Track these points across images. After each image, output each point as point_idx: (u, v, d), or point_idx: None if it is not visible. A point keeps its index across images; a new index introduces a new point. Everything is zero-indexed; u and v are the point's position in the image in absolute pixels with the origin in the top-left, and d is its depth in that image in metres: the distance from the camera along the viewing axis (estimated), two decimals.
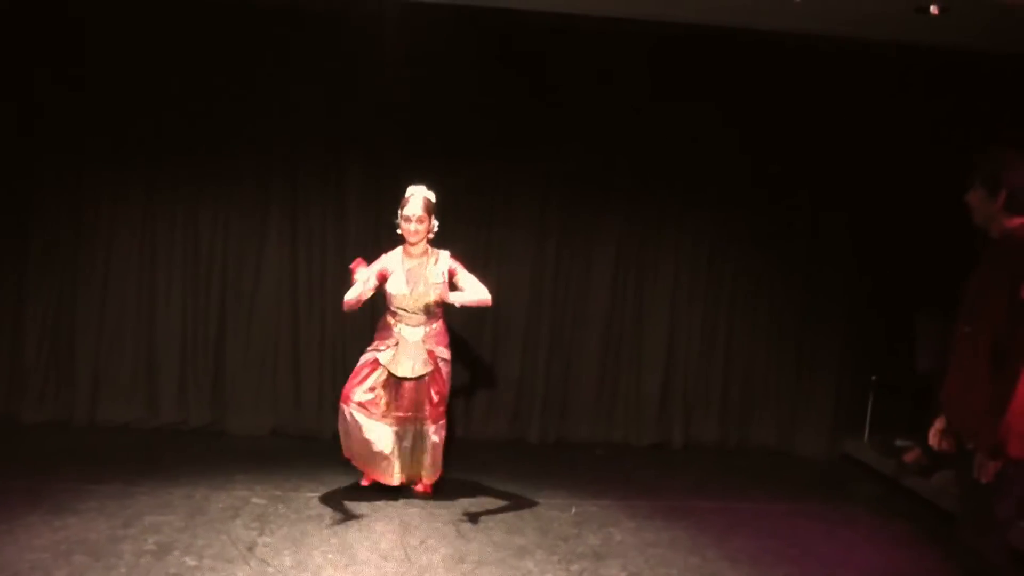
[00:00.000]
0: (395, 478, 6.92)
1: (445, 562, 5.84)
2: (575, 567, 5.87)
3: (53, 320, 8.47)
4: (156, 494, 6.72)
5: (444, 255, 6.91)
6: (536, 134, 8.70)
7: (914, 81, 8.71)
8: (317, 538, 6.09)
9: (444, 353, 6.92)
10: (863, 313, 9.00)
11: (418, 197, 6.80)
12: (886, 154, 8.82)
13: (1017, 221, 4.64)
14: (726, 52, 8.57)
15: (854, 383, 9.00)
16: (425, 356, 6.82)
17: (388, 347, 6.83)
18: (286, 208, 8.58)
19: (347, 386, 6.86)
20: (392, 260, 6.88)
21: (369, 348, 6.95)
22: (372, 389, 6.81)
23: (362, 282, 6.53)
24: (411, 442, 6.90)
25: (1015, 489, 4.55)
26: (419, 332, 6.83)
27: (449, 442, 7.14)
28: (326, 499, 6.85)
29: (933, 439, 4.92)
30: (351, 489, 7.01)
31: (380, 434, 6.79)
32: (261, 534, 6.09)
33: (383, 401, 6.82)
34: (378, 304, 7.16)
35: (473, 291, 6.85)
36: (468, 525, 6.47)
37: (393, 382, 6.83)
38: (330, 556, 5.81)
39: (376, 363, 6.82)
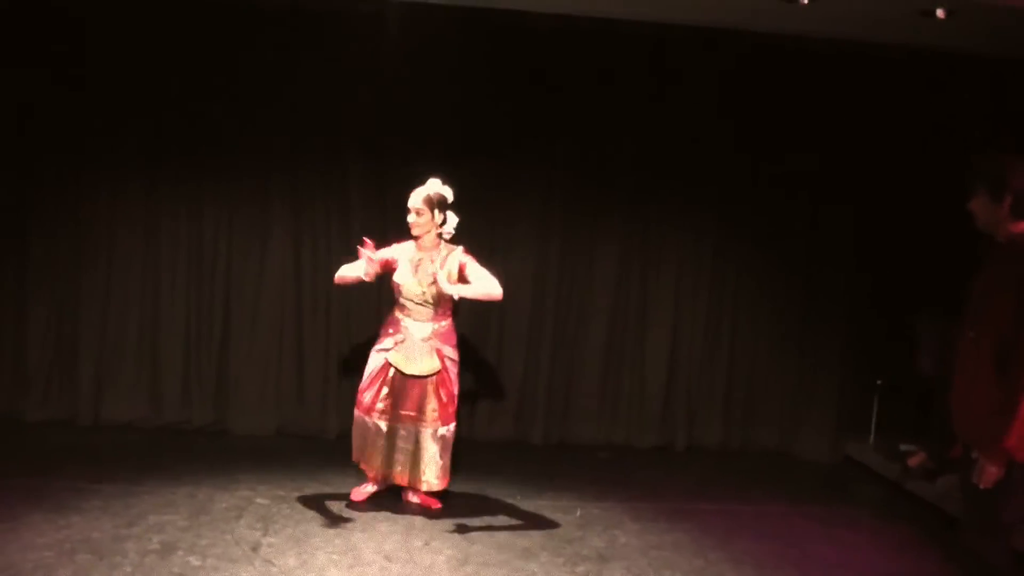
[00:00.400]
0: (401, 478, 6.79)
1: (449, 563, 5.84)
2: (580, 569, 5.88)
3: (56, 319, 8.47)
4: (160, 493, 6.72)
5: (457, 251, 6.75)
6: (539, 133, 8.71)
7: (917, 84, 8.71)
8: (321, 538, 6.09)
9: (451, 353, 6.79)
10: (866, 315, 8.99)
11: (420, 190, 6.68)
12: (889, 156, 8.82)
13: (1023, 225, 4.64)
14: (729, 53, 8.58)
15: (857, 385, 8.99)
16: (433, 354, 6.70)
17: (396, 344, 6.72)
18: (288, 207, 8.58)
19: (362, 394, 6.77)
20: (402, 251, 6.79)
21: (376, 346, 6.84)
22: (387, 395, 6.71)
23: (366, 259, 6.50)
24: (413, 444, 6.72)
25: (1020, 493, 4.55)
26: (426, 328, 6.71)
27: (454, 444, 7.10)
28: (330, 499, 6.84)
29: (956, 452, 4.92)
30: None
31: (395, 438, 6.71)
32: (265, 534, 6.09)
33: (392, 403, 6.71)
34: (384, 302, 7.16)
35: (479, 284, 6.60)
36: (472, 527, 6.47)
37: (399, 380, 6.72)
38: (334, 556, 5.81)
39: (387, 366, 6.72)
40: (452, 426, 6.79)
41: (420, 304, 6.71)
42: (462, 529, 6.43)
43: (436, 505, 6.81)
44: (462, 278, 6.67)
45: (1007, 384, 4.47)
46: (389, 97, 8.43)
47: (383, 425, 6.69)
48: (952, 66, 8.44)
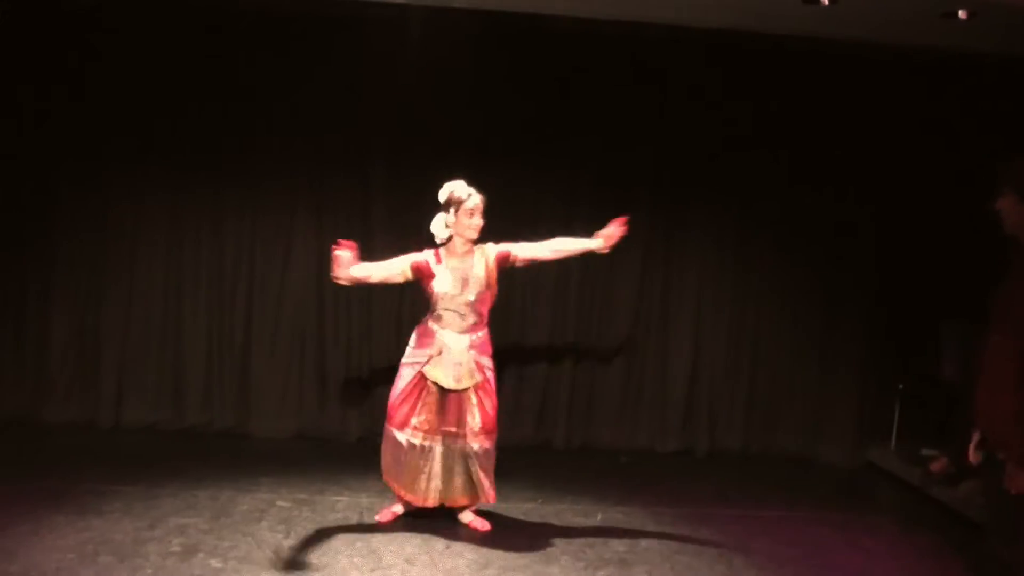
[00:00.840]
0: (433, 499, 6.42)
1: (470, 567, 5.83)
2: (601, 573, 5.85)
3: (79, 321, 8.51)
4: (181, 496, 6.73)
5: (490, 246, 6.45)
6: (562, 137, 8.71)
7: (942, 86, 8.68)
8: (342, 541, 6.09)
9: (489, 363, 6.47)
10: (888, 320, 8.96)
11: (473, 191, 6.34)
12: (912, 160, 8.79)
13: None
14: (752, 56, 8.58)
15: (879, 391, 8.96)
16: (472, 366, 6.37)
17: (431, 357, 6.37)
18: (312, 210, 8.61)
19: (395, 409, 6.41)
20: (433, 258, 6.39)
21: (407, 360, 6.46)
22: (422, 409, 6.36)
23: (352, 263, 6.23)
24: (454, 461, 6.40)
25: None
26: (464, 340, 6.36)
27: None
28: (351, 502, 6.84)
29: (973, 456, 4.87)
30: (376, 493, 6.93)
31: (432, 456, 6.37)
32: (287, 537, 6.09)
33: (430, 418, 6.36)
34: (405, 304, 7.12)
35: (556, 243, 6.47)
36: (493, 530, 6.45)
37: (438, 396, 6.37)
38: (355, 560, 5.80)
39: (422, 379, 6.36)
40: (495, 437, 6.51)
41: (459, 314, 6.37)
42: (484, 533, 6.41)
43: (486, 528, 6.50)
44: (510, 263, 6.45)
45: None
46: (410, 102, 8.45)
47: (417, 442, 6.35)
48: (974, 68, 8.40)
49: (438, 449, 6.38)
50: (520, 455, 8.40)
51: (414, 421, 6.35)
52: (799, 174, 8.89)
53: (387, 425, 6.45)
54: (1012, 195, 4.72)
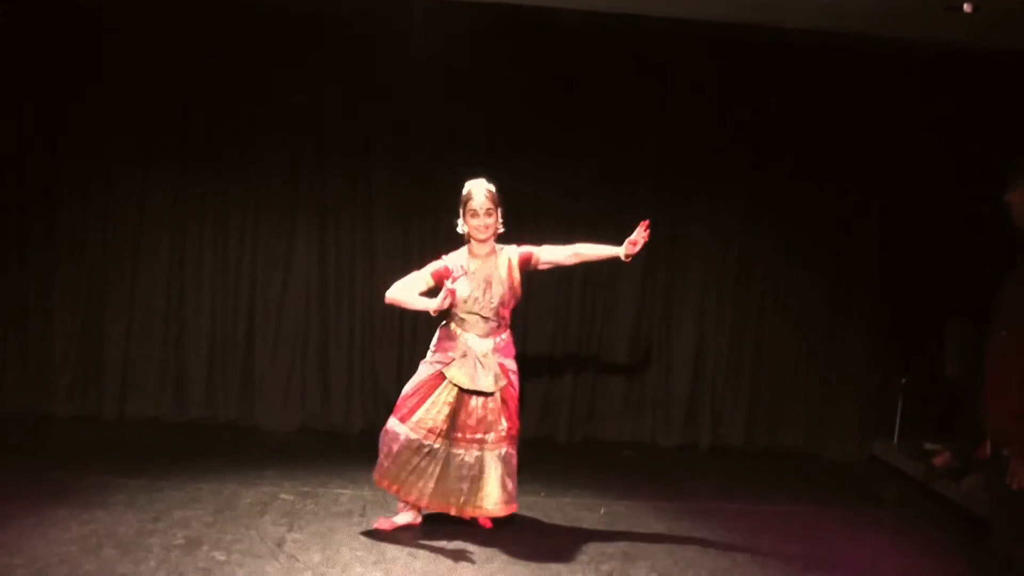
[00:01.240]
0: (427, 501, 6.21)
1: (474, 560, 5.82)
2: (604, 567, 5.85)
3: (83, 314, 8.52)
4: (184, 489, 6.73)
5: (512, 248, 6.30)
6: (564, 134, 8.71)
7: (946, 82, 8.67)
8: (346, 534, 6.09)
9: (513, 365, 6.31)
10: (892, 316, 8.96)
11: (481, 189, 6.17)
12: (918, 157, 8.78)
13: None
14: (755, 51, 8.58)
15: (883, 386, 8.96)
16: (497, 369, 6.18)
17: (453, 359, 6.18)
18: (314, 204, 8.63)
19: (403, 403, 6.20)
20: (455, 261, 6.24)
21: (426, 361, 6.28)
22: (435, 409, 6.14)
23: (446, 292, 5.96)
24: (475, 469, 6.20)
25: None
26: (488, 343, 6.19)
27: None
28: (355, 496, 6.84)
29: (985, 451, 4.87)
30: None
31: (433, 457, 6.15)
32: (290, 530, 6.09)
33: (443, 421, 6.14)
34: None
35: (581, 247, 6.33)
36: (497, 524, 6.41)
37: (458, 400, 6.17)
38: (359, 553, 5.80)
39: (439, 378, 6.16)
40: (516, 446, 6.35)
41: (482, 317, 6.19)
42: (483, 527, 6.39)
43: (489, 524, 6.34)
44: (532, 266, 6.30)
45: None
46: (414, 98, 8.46)
47: (416, 438, 6.11)
48: (979, 63, 8.38)
49: (441, 453, 6.16)
50: (523, 449, 8.32)
51: (418, 416, 6.13)
52: (804, 172, 8.88)
53: (391, 417, 6.24)
54: (1022, 189, 4.72)
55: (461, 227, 6.27)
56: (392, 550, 5.88)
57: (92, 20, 8.25)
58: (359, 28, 8.32)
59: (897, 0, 7.02)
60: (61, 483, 6.64)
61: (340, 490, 6.95)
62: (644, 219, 6.18)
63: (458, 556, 5.87)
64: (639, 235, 6.18)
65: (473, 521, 6.34)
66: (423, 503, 6.26)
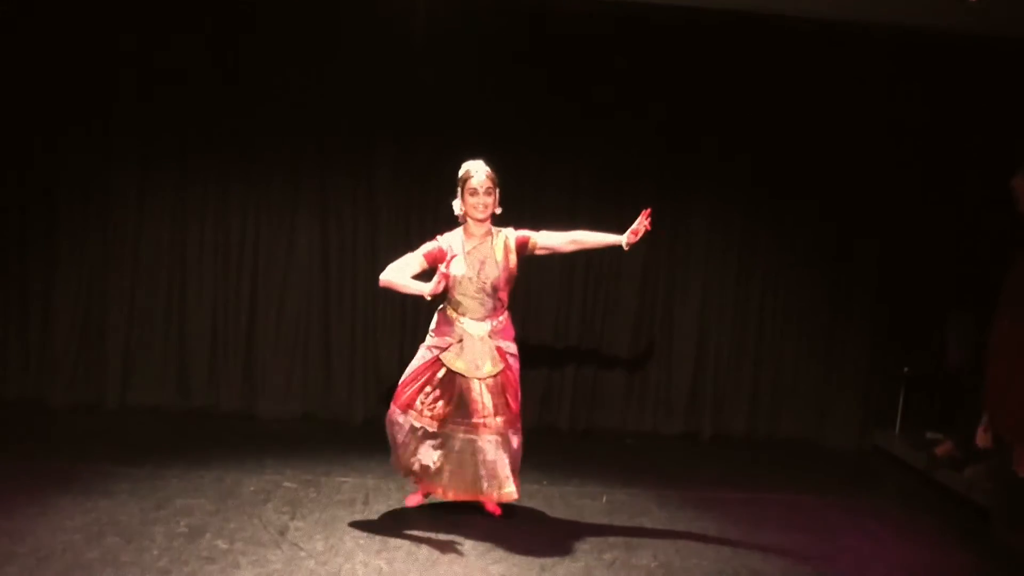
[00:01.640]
0: (447, 492, 6.30)
1: (476, 549, 5.82)
2: (606, 556, 5.85)
3: (84, 303, 8.53)
4: (187, 477, 6.74)
5: (509, 230, 6.26)
6: (566, 126, 8.71)
7: (948, 74, 8.65)
8: (349, 523, 6.09)
9: (512, 348, 6.27)
10: (894, 305, 8.96)
11: (481, 168, 6.15)
12: (919, 147, 8.78)
13: None
14: (756, 44, 8.59)
15: (885, 375, 8.97)
16: (494, 353, 6.16)
17: (450, 344, 6.18)
18: (315, 192, 8.64)
19: (402, 390, 6.22)
20: (450, 241, 6.21)
21: (424, 346, 6.27)
22: (433, 395, 6.18)
23: (440, 276, 5.87)
24: (473, 454, 6.18)
25: None
26: (484, 327, 6.16)
27: None
28: (357, 484, 6.85)
29: (982, 440, 4.88)
30: (383, 475, 6.95)
31: (439, 444, 6.22)
32: (293, 518, 6.10)
33: (442, 407, 6.18)
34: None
35: (579, 234, 6.31)
36: (500, 511, 6.44)
37: (457, 385, 6.17)
38: (361, 541, 5.81)
39: (436, 364, 6.16)
40: (519, 427, 6.29)
41: (477, 300, 6.16)
42: (489, 515, 6.40)
43: (497, 510, 6.38)
44: (529, 250, 6.26)
45: None
46: (415, 89, 8.45)
47: (420, 425, 6.16)
48: (982, 53, 8.36)
49: (456, 442, 6.20)
50: (525, 438, 8.35)
51: (418, 404, 6.17)
52: (804, 164, 8.87)
53: (391, 405, 6.27)
54: None
55: (458, 207, 6.24)
56: (394, 538, 5.88)
57: (93, 20, 8.24)
58: (360, 27, 8.33)
59: None
60: (64, 472, 6.65)
61: (342, 478, 6.96)
62: (644, 209, 6.17)
63: (460, 544, 5.87)
64: (640, 224, 6.17)
65: (479, 506, 6.37)
66: (437, 491, 6.33)
